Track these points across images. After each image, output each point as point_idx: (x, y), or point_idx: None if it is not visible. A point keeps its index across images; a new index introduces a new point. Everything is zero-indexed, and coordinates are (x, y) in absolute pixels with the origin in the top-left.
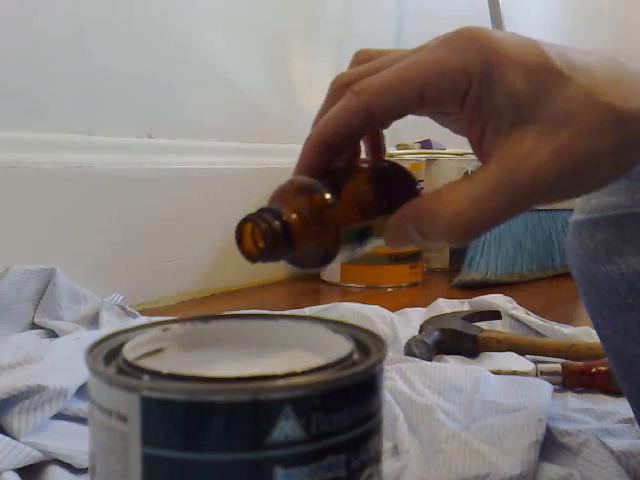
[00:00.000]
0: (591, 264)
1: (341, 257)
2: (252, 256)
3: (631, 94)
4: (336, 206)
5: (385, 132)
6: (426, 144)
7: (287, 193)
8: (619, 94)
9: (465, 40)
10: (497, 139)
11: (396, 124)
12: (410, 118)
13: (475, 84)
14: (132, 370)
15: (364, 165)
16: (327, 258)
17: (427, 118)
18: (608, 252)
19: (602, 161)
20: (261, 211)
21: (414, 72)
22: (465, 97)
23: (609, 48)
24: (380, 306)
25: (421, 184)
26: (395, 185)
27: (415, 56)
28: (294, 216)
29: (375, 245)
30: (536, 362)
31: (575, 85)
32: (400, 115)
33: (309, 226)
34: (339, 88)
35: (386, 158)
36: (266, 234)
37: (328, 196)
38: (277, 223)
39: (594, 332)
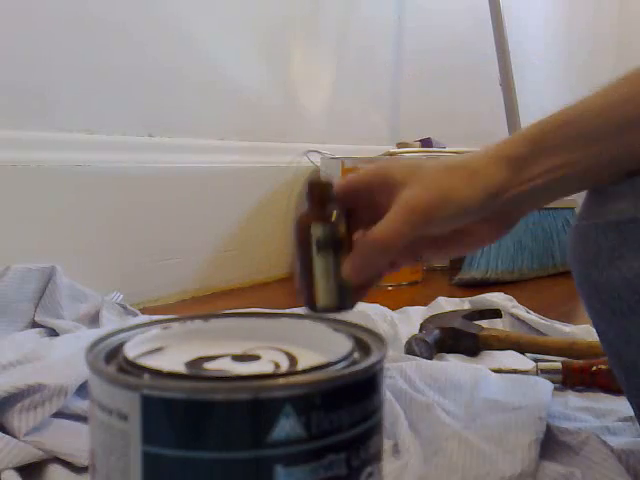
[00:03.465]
0: (593, 268)
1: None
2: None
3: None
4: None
5: (386, 130)
6: (426, 142)
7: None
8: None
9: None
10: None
11: (396, 122)
12: (411, 116)
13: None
14: (132, 369)
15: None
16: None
17: (428, 117)
18: (610, 256)
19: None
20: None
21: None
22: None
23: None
24: (380, 305)
25: None
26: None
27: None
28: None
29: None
30: (536, 360)
31: (429, 165)
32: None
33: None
34: None
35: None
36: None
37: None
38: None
39: (594, 330)
